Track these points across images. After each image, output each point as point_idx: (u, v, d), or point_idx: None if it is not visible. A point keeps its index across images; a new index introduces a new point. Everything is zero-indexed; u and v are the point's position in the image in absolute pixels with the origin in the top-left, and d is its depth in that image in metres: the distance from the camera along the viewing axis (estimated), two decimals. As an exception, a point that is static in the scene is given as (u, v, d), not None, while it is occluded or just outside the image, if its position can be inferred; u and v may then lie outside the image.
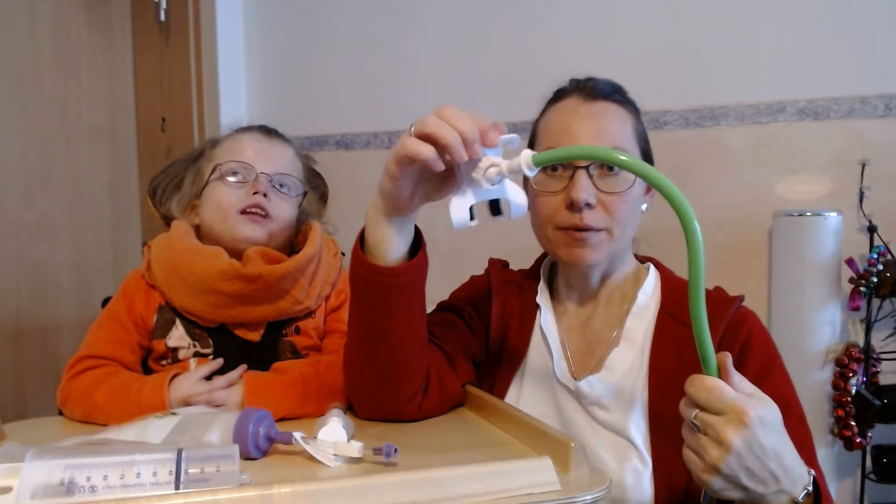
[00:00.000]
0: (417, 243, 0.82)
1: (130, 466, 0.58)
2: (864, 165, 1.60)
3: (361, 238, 0.80)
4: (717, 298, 0.92)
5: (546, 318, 0.97)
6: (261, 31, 2.28)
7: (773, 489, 0.66)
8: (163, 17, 2.16)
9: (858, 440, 1.50)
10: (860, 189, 1.60)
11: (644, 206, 0.95)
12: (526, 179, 0.95)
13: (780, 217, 1.60)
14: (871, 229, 1.57)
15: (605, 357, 0.91)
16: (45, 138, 1.95)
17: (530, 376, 0.95)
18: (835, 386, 1.53)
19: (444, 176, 0.76)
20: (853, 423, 1.50)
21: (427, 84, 2.06)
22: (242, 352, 0.98)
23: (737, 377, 0.68)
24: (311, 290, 1.01)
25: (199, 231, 1.05)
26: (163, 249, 1.02)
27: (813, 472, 0.70)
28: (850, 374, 1.52)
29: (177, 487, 0.58)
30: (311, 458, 0.68)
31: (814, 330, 1.55)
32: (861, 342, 1.55)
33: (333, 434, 0.70)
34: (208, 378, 0.94)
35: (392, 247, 0.78)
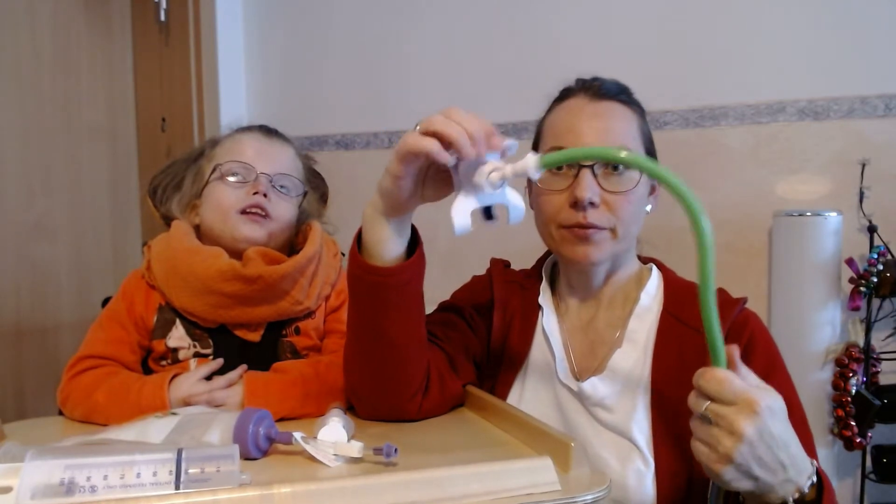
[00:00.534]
0: (414, 243, 0.82)
1: (130, 466, 0.58)
2: (864, 165, 1.60)
3: (359, 238, 0.80)
4: (721, 301, 0.91)
5: (549, 319, 0.97)
6: (261, 31, 2.28)
7: (780, 478, 0.67)
8: (163, 17, 2.16)
9: (858, 440, 1.50)
10: (860, 189, 1.60)
11: (648, 207, 0.95)
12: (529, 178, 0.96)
13: (780, 217, 1.60)
14: (871, 229, 1.57)
15: (607, 358, 0.91)
16: (45, 138, 1.95)
17: (532, 377, 0.95)
18: (835, 386, 1.53)
19: (443, 178, 0.76)
20: (853, 423, 1.50)
21: (427, 84, 2.06)
22: (242, 352, 0.98)
23: (744, 369, 0.69)
24: (311, 290, 1.01)
25: (199, 231, 1.05)
26: (163, 249, 1.02)
27: (816, 462, 0.71)
28: (850, 374, 1.51)
29: (177, 487, 0.58)
30: (312, 458, 0.68)
31: (814, 330, 1.55)
32: (861, 342, 1.55)
33: (333, 434, 0.70)
34: (208, 378, 0.94)
35: (389, 246, 0.78)
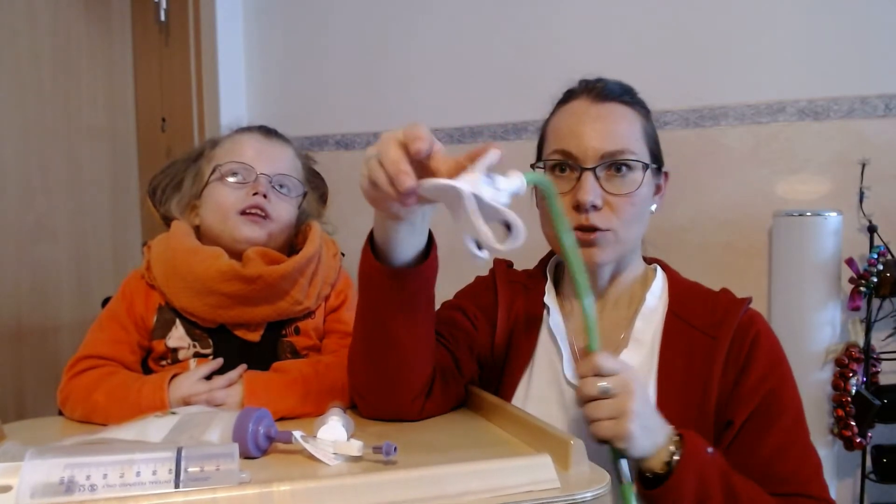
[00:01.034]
0: (429, 244, 0.80)
1: (130, 465, 0.58)
2: (864, 165, 1.60)
3: (372, 237, 0.79)
4: (726, 301, 0.92)
5: (555, 319, 0.97)
6: (261, 31, 2.28)
7: (666, 431, 0.77)
8: (163, 17, 2.16)
9: (858, 440, 1.50)
10: (860, 189, 1.60)
11: (653, 207, 0.95)
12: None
13: (780, 217, 1.60)
14: (871, 229, 1.57)
15: None
16: (45, 138, 1.95)
17: (538, 377, 0.95)
18: (835, 386, 1.53)
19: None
20: (853, 423, 1.50)
21: (427, 84, 2.06)
22: (242, 352, 0.98)
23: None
24: (311, 290, 1.01)
25: (198, 232, 1.05)
26: (163, 250, 1.02)
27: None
28: (850, 374, 1.51)
29: (176, 486, 0.58)
30: (311, 457, 0.68)
31: (814, 330, 1.55)
32: (861, 342, 1.55)
33: (333, 433, 0.70)
34: (208, 378, 0.94)
35: (400, 249, 0.76)
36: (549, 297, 0.99)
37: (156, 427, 0.73)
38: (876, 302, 1.56)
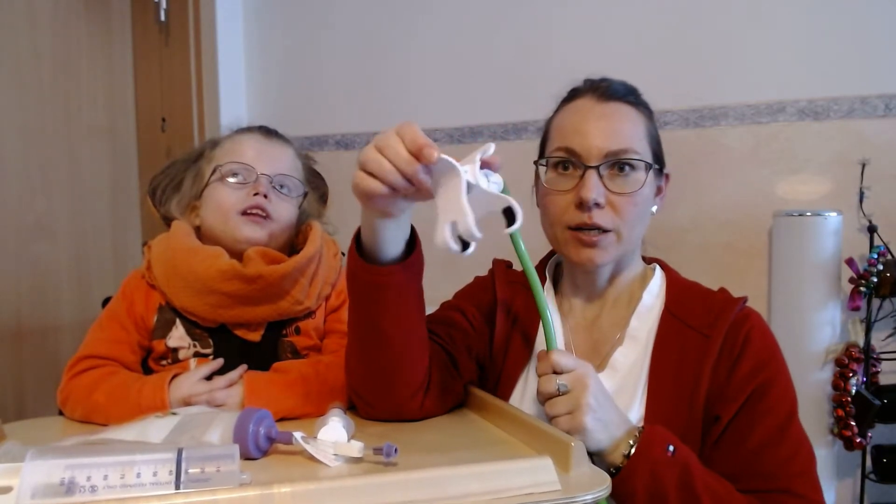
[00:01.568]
0: (413, 241, 0.81)
1: (131, 466, 0.58)
2: (864, 165, 1.60)
3: (358, 238, 0.80)
4: (722, 300, 0.92)
5: (552, 319, 0.97)
6: (261, 31, 2.28)
7: (625, 426, 0.79)
8: (163, 17, 2.16)
9: (858, 440, 1.50)
10: (860, 189, 1.60)
11: (654, 208, 0.96)
12: (537, 177, 0.96)
13: (780, 217, 1.60)
14: (871, 229, 1.57)
15: (609, 356, 0.92)
16: (45, 138, 1.95)
17: (536, 376, 0.95)
18: (835, 386, 1.53)
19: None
20: (853, 423, 1.50)
21: (427, 84, 2.06)
22: (243, 352, 0.98)
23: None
24: (312, 290, 1.01)
25: (199, 232, 1.05)
26: (163, 250, 1.02)
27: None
28: (850, 374, 1.51)
29: (177, 487, 0.58)
30: (312, 458, 0.68)
31: (814, 330, 1.55)
32: (861, 342, 1.55)
33: (334, 434, 0.70)
34: (208, 378, 0.94)
35: (386, 247, 0.78)
36: (548, 297, 0.99)
37: (156, 428, 0.73)
38: (876, 302, 1.56)
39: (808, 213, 1.55)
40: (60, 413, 0.95)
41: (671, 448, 0.78)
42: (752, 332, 0.88)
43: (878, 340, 1.58)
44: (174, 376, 0.92)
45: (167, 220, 1.08)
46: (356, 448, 0.67)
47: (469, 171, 0.67)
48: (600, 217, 0.88)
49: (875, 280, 1.52)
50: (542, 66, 1.88)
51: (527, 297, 1.00)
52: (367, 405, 0.87)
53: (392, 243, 0.78)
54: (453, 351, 0.93)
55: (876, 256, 1.53)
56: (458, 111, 2.00)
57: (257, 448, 0.70)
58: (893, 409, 1.53)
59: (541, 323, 0.97)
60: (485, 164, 0.69)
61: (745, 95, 1.71)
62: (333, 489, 0.59)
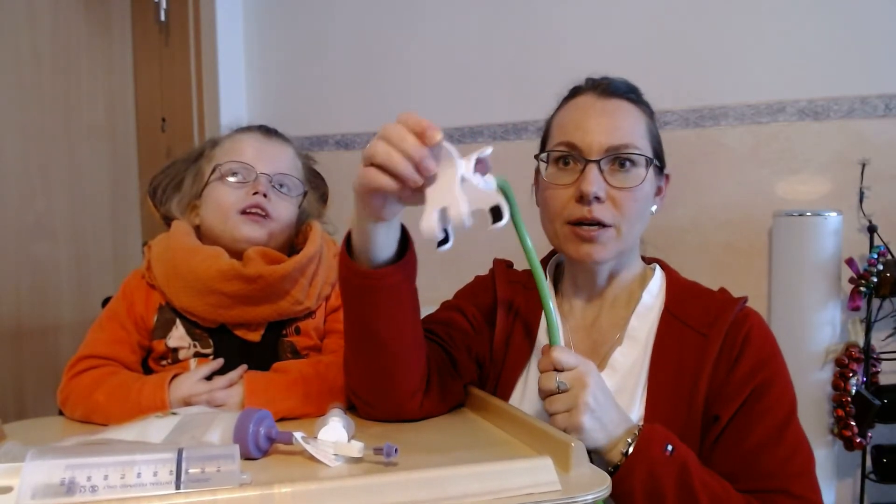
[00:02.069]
0: (405, 243, 0.81)
1: (131, 466, 0.58)
2: (864, 165, 1.60)
3: (348, 241, 0.80)
4: (721, 300, 0.92)
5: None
6: (261, 31, 2.28)
7: (624, 425, 0.79)
8: (163, 17, 2.16)
9: (858, 440, 1.50)
10: (860, 189, 1.61)
11: (654, 208, 0.96)
12: (537, 175, 0.96)
13: (780, 217, 1.60)
14: (871, 229, 1.57)
15: (608, 356, 0.92)
16: (45, 138, 1.95)
17: (536, 376, 0.95)
18: (835, 386, 1.53)
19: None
20: (853, 423, 1.50)
21: (427, 84, 2.06)
22: (243, 352, 0.98)
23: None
24: (312, 290, 1.01)
25: (199, 231, 1.05)
26: (163, 250, 1.02)
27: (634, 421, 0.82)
28: (850, 374, 1.51)
29: (177, 487, 0.58)
30: (312, 458, 0.68)
31: (814, 330, 1.55)
32: (861, 342, 1.55)
33: (334, 434, 0.70)
34: (209, 378, 0.94)
35: (377, 250, 0.77)
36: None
37: (156, 428, 0.73)
38: (876, 302, 1.56)
39: (808, 213, 1.55)
40: (60, 413, 0.95)
41: (670, 447, 0.78)
42: (752, 332, 0.88)
43: (878, 340, 1.58)
44: (174, 376, 0.92)
45: (167, 220, 1.08)
46: (356, 448, 0.67)
47: (464, 164, 0.68)
48: (600, 212, 0.88)
49: (875, 280, 1.53)
50: (542, 66, 1.88)
51: (527, 296, 1.00)
52: (366, 405, 0.87)
53: (384, 247, 0.78)
54: (453, 351, 0.93)
55: (876, 256, 1.54)
56: (458, 111, 2.00)
57: (257, 448, 0.70)
58: (893, 409, 1.53)
59: (542, 319, 0.97)
60: (478, 165, 0.69)
61: (744, 95, 1.71)
62: (334, 489, 0.59)
